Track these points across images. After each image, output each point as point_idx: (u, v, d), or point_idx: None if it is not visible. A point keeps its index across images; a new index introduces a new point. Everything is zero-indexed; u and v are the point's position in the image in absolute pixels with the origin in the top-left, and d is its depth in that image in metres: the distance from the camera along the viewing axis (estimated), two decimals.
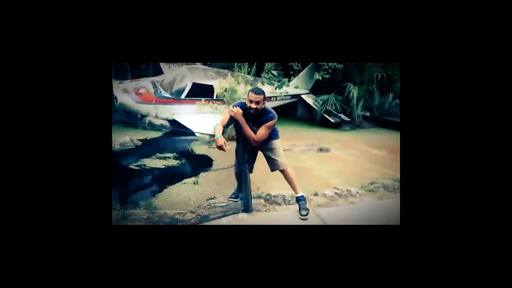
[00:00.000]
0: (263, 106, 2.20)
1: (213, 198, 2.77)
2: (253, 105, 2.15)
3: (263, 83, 6.01)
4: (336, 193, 2.68)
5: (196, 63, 6.58)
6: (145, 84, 5.48)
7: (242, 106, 2.24)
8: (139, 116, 5.66)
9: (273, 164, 2.38)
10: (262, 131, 2.23)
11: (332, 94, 6.70)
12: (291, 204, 2.50)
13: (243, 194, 2.42)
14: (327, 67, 6.35)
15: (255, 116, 2.21)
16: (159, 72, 6.88)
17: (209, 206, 2.51)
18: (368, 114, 7.20)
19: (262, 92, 2.20)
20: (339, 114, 6.72)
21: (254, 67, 6.15)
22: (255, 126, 2.25)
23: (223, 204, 2.54)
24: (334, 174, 3.77)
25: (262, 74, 6.16)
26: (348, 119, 6.71)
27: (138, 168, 3.87)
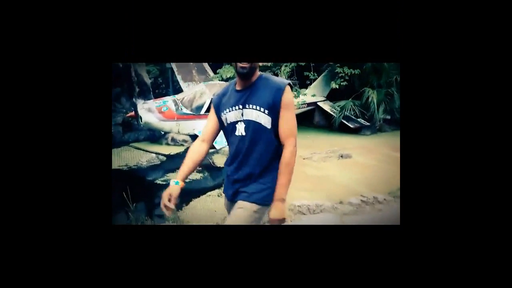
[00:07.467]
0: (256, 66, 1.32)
1: None
2: (244, 64, 1.27)
3: None
4: (362, 201, 2.64)
5: (213, 80, 6.81)
6: (167, 103, 5.74)
7: (221, 93, 1.43)
8: (162, 133, 5.91)
9: None
10: (288, 121, 1.31)
11: (350, 100, 6.63)
12: (315, 213, 2.50)
13: None
14: (343, 74, 6.32)
15: (246, 79, 1.31)
16: (178, 90, 7.17)
17: None
18: (389, 117, 7.04)
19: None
20: (358, 119, 6.62)
21: None
22: (251, 104, 1.30)
23: None
24: (358, 181, 3.71)
25: None
26: (368, 124, 6.59)
27: (164, 183, 4.03)
